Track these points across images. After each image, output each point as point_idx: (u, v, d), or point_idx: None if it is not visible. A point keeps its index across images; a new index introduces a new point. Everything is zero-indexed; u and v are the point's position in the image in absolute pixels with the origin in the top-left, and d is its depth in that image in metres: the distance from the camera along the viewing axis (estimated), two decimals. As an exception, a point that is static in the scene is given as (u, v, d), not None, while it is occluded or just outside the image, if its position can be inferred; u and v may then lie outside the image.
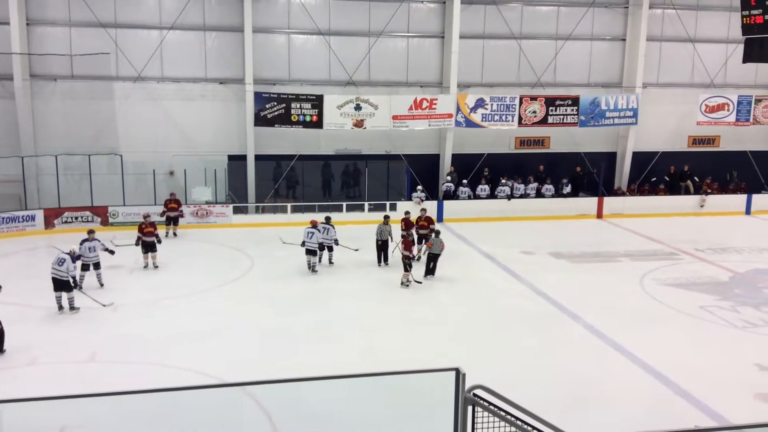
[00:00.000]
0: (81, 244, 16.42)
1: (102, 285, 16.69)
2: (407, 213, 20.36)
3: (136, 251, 18.76)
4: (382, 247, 19.24)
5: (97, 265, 16.79)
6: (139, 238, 18.59)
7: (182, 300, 16.08)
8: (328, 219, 19.47)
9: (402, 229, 19.54)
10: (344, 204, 25.29)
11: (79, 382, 11.17)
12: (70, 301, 14.92)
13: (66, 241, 16.46)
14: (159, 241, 18.98)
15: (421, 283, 17.46)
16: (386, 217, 19.65)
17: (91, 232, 17.06)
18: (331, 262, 19.11)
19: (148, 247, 18.57)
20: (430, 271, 18.18)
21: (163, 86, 25.09)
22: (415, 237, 19.76)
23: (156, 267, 18.55)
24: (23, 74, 23.58)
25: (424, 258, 18.50)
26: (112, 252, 17.27)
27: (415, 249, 18.68)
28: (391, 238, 19.22)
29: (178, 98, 25.26)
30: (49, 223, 22.88)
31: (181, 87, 25.25)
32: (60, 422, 8.93)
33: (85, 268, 16.54)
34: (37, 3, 23.81)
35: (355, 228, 23.84)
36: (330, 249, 19.16)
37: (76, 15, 24.07)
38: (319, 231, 18.51)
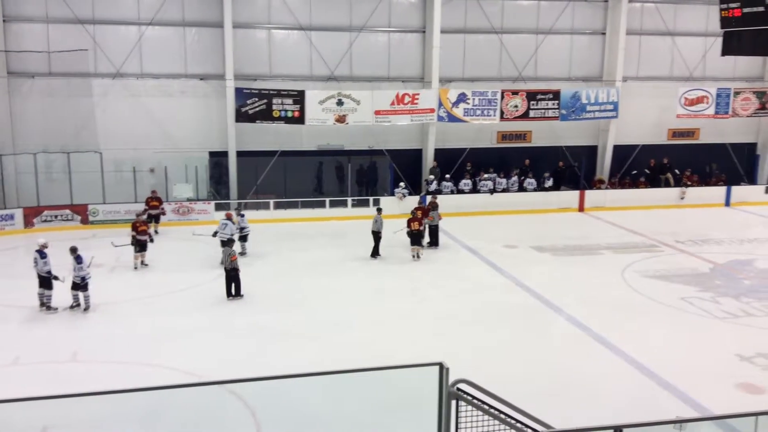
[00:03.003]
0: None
1: (88, 307, 14.87)
2: (420, 203, 21.68)
3: (115, 251, 18.61)
4: (375, 238, 19.60)
5: (84, 287, 14.87)
6: (133, 237, 18.38)
7: (164, 298, 15.98)
8: (238, 210, 20.24)
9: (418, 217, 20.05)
10: (327, 200, 25.24)
11: (61, 382, 11.06)
12: (47, 299, 14.79)
13: (45, 238, 16.18)
14: (151, 240, 18.86)
15: (419, 256, 19.42)
16: (379, 210, 20.16)
17: (73, 249, 14.98)
18: (243, 253, 19.35)
19: (141, 246, 18.41)
20: (433, 242, 20.55)
21: (142, 82, 24.85)
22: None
23: (146, 265, 18.41)
24: (0, 71, 23.26)
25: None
26: (60, 279, 14.88)
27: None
28: (381, 231, 19.66)
29: (157, 94, 25.02)
30: (28, 222, 22.62)
31: (161, 83, 25.02)
32: (42, 422, 8.85)
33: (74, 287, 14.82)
34: (14, 0, 23.50)
35: (339, 224, 23.85)
36: (244, 240, 19.69)
37: (54, 11, 23.76)
38: (233, 223, 18.86)
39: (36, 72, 23.97)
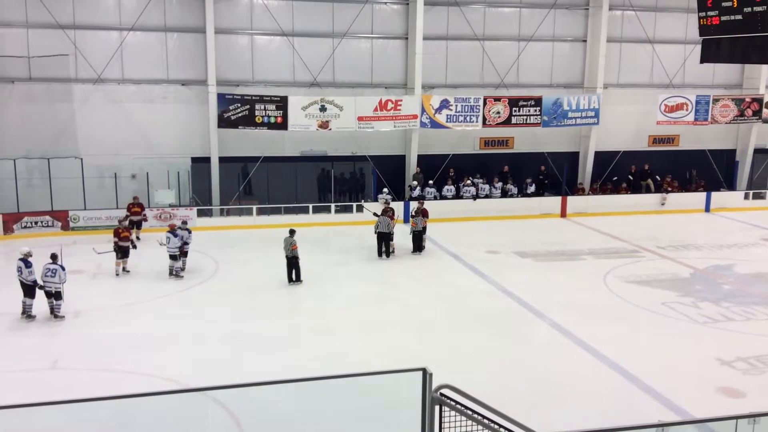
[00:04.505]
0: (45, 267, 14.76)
1: (57, 316, 14.63)
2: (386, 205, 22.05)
3: (96, 258, 18.45)
4: (382, 238, 20.08)
5: (58, 295, 14.70)
6: (115, 243, 18.20)
7: (146, 305, 15.86)
8: (184, 223, 19.17)
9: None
10: (310, 206, 25.18)
11: (41, 389, 10.93)
12: (29, 308, 14.60)
13: (28, 246, 15.97)
14: (134, 246, 18.66)
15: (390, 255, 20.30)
16: (385, 211, 20.97)
17: (53, 256, 14.83)
18: (180, 269, 18.24)
19: (123, 253, 18.22)
20: (417, 247, 20.70)
21: (123, 88, 24.69)
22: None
23: (127, 272, 18.25)
24: (-21, 77, 23.05)
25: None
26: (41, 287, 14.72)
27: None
28: (391, 232, 20.26)
29: (139, 100, 24.87)
30: (8, 228, 22.35)
31: (142, 89, 24.87)
32: (21, 431, 8.73)
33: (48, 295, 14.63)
34: (-7, 4, 23.30)
35: (323, 230, 23.79)
36: (184, 255, 18.44)
37: (34, 16, 23.54)
38: (176, 236, 17.94)
39: (16, 77, 23.73)
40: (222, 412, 9.71)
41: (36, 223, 22.76)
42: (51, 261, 14.73)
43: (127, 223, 20.05)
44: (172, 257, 17.96)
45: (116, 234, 18.30)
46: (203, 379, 11.14)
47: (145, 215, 22.72)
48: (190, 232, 18.76)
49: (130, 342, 13.44)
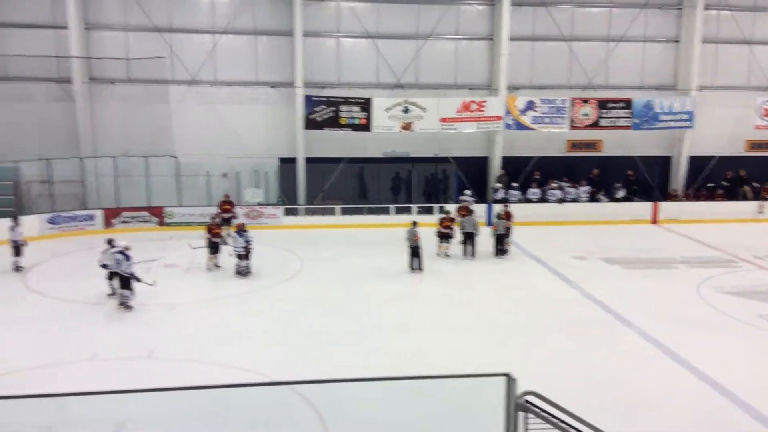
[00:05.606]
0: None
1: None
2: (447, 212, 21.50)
3: (189, 253, 19.17)
4: (468, 238, 20.45)
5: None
6: (208, 239, 18.89)
7: (236, 299, 16.37)
8: (242, 225, 18.79)
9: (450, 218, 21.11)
10: (392, 207, 25.33)
11: (138, 378, 11.45)
12: (125, 299, 15.32)
13: (125, 240, 16.80)
14: (224, 243, 19.27)
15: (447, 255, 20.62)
16: (471, 211, 21.57)
17: (110, 240, 16.08)
18: (247, 270, 18.30)
19: (215, 248, 18.87)
20: (500, 251, 20.67)
21: (216, 90, 25.58)
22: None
23: (218, 267, 18.85)
24: (82, 77, 24.36)
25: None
26: (150, 283, 15.93)
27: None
28: (477, 233, 20.51)
29: (230, 101, 25.73)
30: (107, 223, 23.55)
31: (233, 90, 25.71)
32: (119, 416, 9.19)
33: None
34: (95, 8, 24.55)
35: (402, 231, 23.85)
36: (246, 257, 18.30)
37: (133, 19, 24.73)
38: (241, 236, 18.03)
39: (116, 78, 24.98)
40: (306, 406, 9.93)
41: (134, 218, 23.88)
42: (112, 248, 15.63)
43: (218, 220, 20.71)
44: (239, 256, 18.22)
45: (209, 230, 18.96)
46: (288, 373, 11.40)
47: (235, 213, 23.45)
48: (246, 232, 18.50)
49: (219, 335, 13.89)
